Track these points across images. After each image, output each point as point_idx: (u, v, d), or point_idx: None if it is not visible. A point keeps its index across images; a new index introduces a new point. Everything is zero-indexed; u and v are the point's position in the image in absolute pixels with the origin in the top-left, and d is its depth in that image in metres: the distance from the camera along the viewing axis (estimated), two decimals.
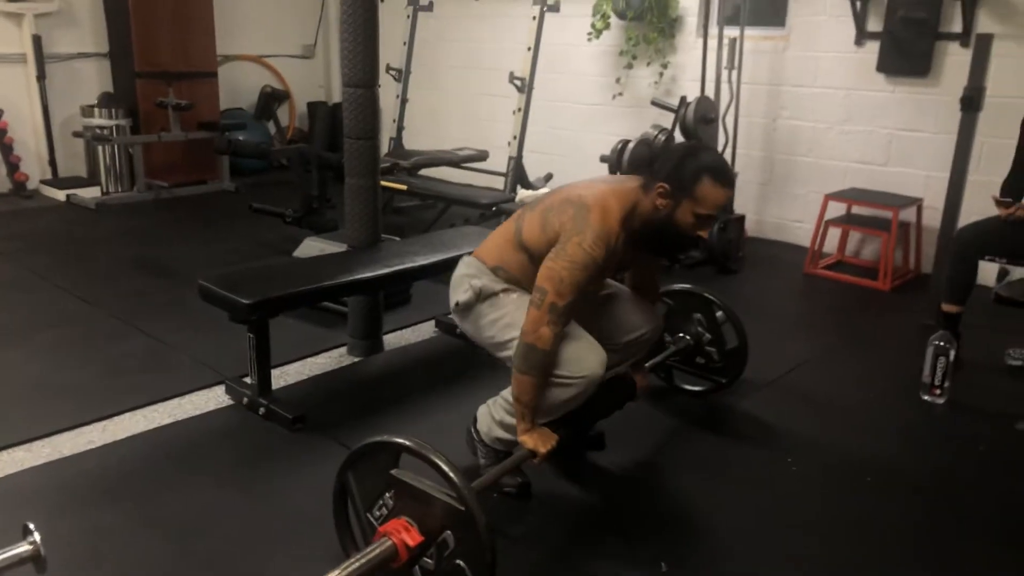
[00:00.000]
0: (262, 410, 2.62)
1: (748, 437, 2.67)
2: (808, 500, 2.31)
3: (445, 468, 1.62)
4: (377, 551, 1.61)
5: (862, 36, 4.59)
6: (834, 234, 4.72)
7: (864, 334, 3.66)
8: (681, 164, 1.99)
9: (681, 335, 2.84)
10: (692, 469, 2.45)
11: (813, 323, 3.92)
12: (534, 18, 4.96)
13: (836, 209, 4.57)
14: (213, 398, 2.77)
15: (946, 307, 3.19)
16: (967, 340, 3.20)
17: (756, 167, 5.17)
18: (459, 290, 2.19)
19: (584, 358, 2.04)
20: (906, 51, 4.40)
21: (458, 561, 1.61)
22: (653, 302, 2.49)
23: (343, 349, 3.22)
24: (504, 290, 2.14)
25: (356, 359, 3.17)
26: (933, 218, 4.26)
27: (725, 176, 2.01)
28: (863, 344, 3.52)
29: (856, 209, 4.59)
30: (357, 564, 1.57)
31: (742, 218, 4.77)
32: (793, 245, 5.01)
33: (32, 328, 3.32)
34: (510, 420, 2.13)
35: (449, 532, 1.62)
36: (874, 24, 4.55)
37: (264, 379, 2.66)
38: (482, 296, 2.14)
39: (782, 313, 4.00)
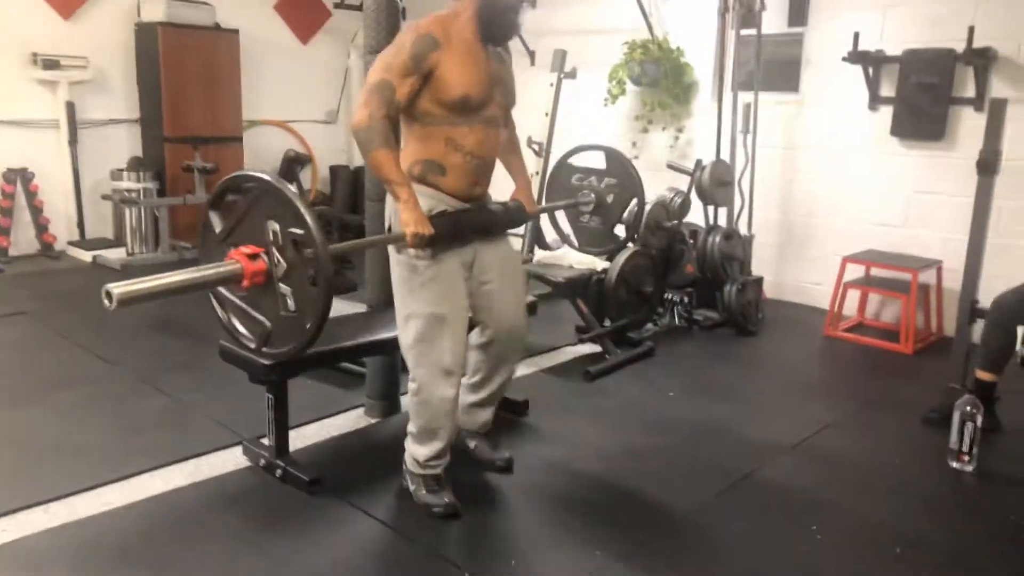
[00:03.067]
0: (279, 472, 2.61)
1: (770, 502, 2.61)
2: (834, 571, 2.24)
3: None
4: (223, 268, 1.87)
5: (875, 101, 4.66)
6: (853, 296, 4.70)
7: (888, 398, 3.60)
8: None
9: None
10: (711, 534, 2.39)
11: (835, 386, 3.87)
12: (552, 85, 5.07)
13: (855, 271, 4.56)
14: (231, 459, 2.76)
15: (981, 375, 3.12)
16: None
17: (773, 229, 5.18)
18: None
19: (444, 351, 2.30)
20: (920, 115, 4.45)
21: (291, 235, 1.79)
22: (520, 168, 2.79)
23: (360, 410, 3.21)
24: (400, 244, 2.30)
25: (373, 420, 3.16)
26: (954, 280, 4.20)
27: None
28: (887, 408, 3.46)
29: (875, 271, 4.57)
30: (202, 274, 1.88)
31: (760, 280, 4.76)
32: (813, 307, 4.98)
33: (53, 387, 3.35)
34: (410, 459, 2.48)
35: (272, 222, 1.80)
36: (887, 89, 4.61)
37: (282, 440, 2.65)
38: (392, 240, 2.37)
39: (803, 376, 3.96)
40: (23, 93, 5.69)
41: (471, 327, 2.52)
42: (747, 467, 2.81)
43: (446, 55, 2.20)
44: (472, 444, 2.75)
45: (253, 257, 1.88)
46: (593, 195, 3.19)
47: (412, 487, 2.48)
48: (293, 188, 6.77)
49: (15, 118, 5.67)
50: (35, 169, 5.76)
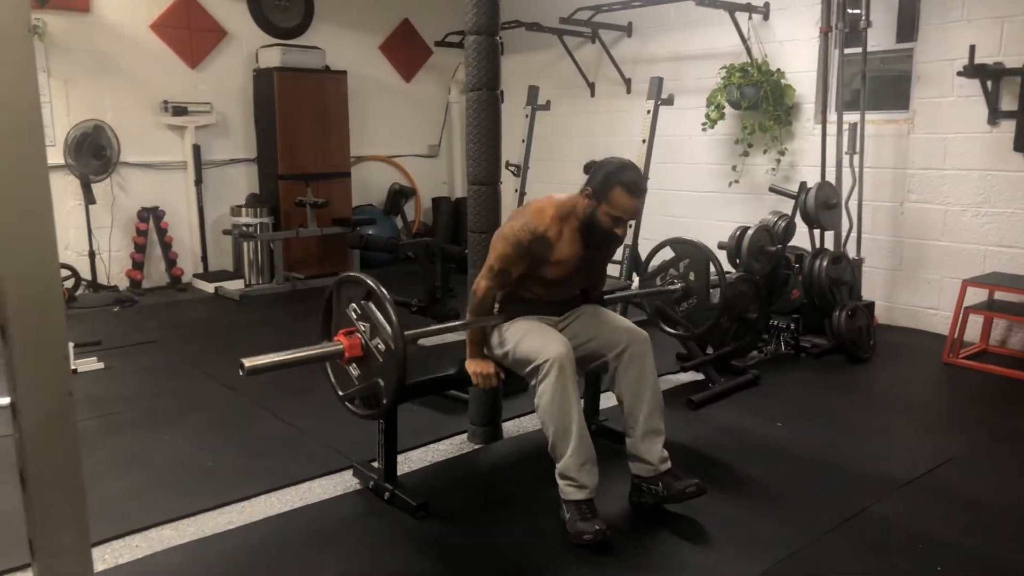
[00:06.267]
0: (387, 495, 2.70)
1: (888, 541, 2.49)
2: None
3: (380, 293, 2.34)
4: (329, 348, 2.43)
5: (996, 115, 4.42)
6: (975, 321, 4.44)
7: (1018, 430, 3.37)
8: (602, 176, 2.50)
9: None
10: (823, 573, 2.30)
11: (958, 417, 3.65)
12: (648, 112, 5.08)
13: (976, 295, 4.31)
14: (341, 483, 2.88)
15: None
16: None
17: (884, 252, 4.98)
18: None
19: (545, 345, 2.47)
20: None
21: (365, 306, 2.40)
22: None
23: (464, 436, 3.28)
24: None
25: (476, 446, 3.22)
26: None
27: (635, 189, 2.49)
28: (1018, 441, 3.25)
29: (1000, 295, 4.31)
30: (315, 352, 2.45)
31: (871, 304, 4.58)
32: (929, 333, 4.74)
33: (182, 412, 3.59)
34: (561, 480, 2.48)
35: (353, 304, 2.43)
36: (1008, 103, 4.38)
37: (390, 464, 2.74)
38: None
39: (922, 405, 3.76)
40: (155, 138, 6.18)
41: (591, 364, 2.70)
42: (862, 502, 2.70)
43: (552, 253, 2.57)
44: (659, 488, 2.59)
45: (349, 334, 2.39)
46: (679, 283, 3.29)
47: (567, 516, 2.44)
48: (398, 219, 6.95)
49: (148, 161, 6.16)
50: (165, 207, 6.23)
